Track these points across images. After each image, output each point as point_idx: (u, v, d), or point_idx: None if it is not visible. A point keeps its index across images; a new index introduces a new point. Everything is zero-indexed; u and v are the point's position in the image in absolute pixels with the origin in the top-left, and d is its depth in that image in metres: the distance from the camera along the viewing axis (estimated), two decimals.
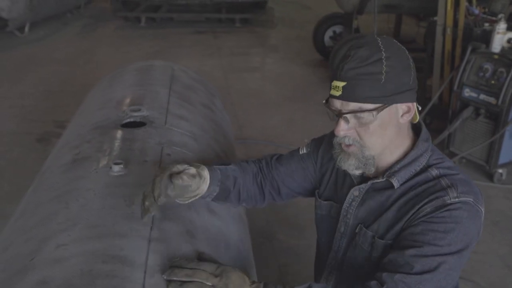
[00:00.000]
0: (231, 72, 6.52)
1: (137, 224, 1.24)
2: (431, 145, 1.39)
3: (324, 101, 1.34)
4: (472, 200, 1.25)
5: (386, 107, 1.25)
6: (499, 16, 3.79)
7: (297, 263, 2.95)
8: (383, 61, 1.22)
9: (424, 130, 1.40)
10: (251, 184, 1.54)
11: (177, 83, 2.43)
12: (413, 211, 1.27)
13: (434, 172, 1.32)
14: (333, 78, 1.28)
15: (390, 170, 1.35)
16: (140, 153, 1.64)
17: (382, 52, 1.23)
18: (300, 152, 1.60)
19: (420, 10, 6.54)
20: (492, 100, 3.57)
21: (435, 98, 4.29)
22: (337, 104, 1.28)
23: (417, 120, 1.37)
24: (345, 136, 1.31)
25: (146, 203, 1.22)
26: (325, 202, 1.55)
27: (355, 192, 1.42)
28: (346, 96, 1.25)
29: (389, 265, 1.24)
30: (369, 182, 1.39)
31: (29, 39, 7.84)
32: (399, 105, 1.28)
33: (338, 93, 1.26)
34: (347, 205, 1.44)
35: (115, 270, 1.07)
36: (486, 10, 4.31)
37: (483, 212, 1.27)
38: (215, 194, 1.41)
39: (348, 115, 1.26)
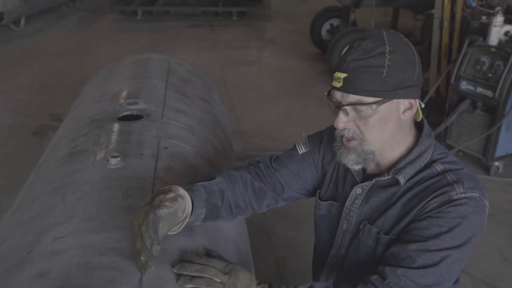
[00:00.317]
0: (228, 65, 6.50)
1: (134, 217, 1.23)
2: (434, 141, 1.38)
3: (326, 93, 1.33)
4: (478, 195, 1.25)
5: (386, 101, 1.24)
6: (496, 9, 3.79)
7: (295, 257, 2.96)
8: (386, 54, 1.21)
9: (427, 125, 1.39)
10: (243, 193, 1.45)
11: (174, 76, 2.42)
12: (419, 206, 1.27)
13: (439, 167, 1.32)
14: (335, 69, 1.27)
15: (395, 167, 1.34)
16: (137, 146, 1.63)
17: (386, 46, 1.22)
18: (300, 152, 1.56)
19: (417, 3, 6.53)
20: (489, 93, 3.57)
21: (432, 91, 4.29)
22: (338, 95, 1.27)
23: (420, 118, 1.36)
24: (345, 129, 1.30)
25: (142, 258, 1.06)
26: (325, 202, 1.54)
27: (358, 190, 1.41)
28: (346, 88, 1.24)
29: (391, 258, 1.24)
30: (374, 180, 1.38)
31: (25, 33, 7.79)
32: (400, 100, 1.26)
33: (339, 85, 1.25)
34: (350, 203, 1.43)
35: (113, 263, 1.06)
36: (483, 3, 4.30)
37: (487, 206, 1.27)
38: (202, 216, 1.29)
39: (347, 107, 1.25)
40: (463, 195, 1.23)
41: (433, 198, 1.26)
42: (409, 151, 1.34)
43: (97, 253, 1.09)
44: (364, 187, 1.40)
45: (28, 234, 1.21)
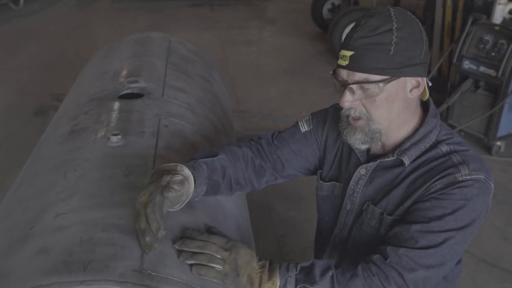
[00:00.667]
0: (229, 45, 6.46)
1: (136, 194, 1.24)
2: (440, 121, 1.37)
3: (331, 72, 1.31)
4: (483, 177, 1.24)
5: (394, 79, 1.22)
6: None
7: (295, 234, 2.98)
8: (394, 32, 1.19)
9: (432, 105, 1.37)
10: (244, 170, 1.46)
11: (174, 55, 2.41)
12: (423, 187, 1.27)
13: (444, 148, 1.30)
14: (341, 47, 1.25)
15: (400, 148, 1.33)
16: (138, 124, 1.63)
17: (394, 23, 1.20)
18: (302, 130, 1.55)
19: None
20: (491, 72, 3.54)
21: (434, 71, 4.26)
22: (344, 74, 1.25)
23: (427, 97, 1.34)
24: (351, 108, 1.28)
25: (147, 239, 1.05)
26: (327, 183, 1.53)
27: (362, 170, 1.41)
28: (353, 66, 1.22)
29: (394, 239, 1.24)
30: (378, 161, 1.37)
31: (24, 12, 7.73)
32: (408, 79, 1.25)
33: (345, 63, 1.23)
34: (354, 183, 1.43)
35: (114, 239, 1.07)
36: None
37: (492, 188, 1.26)
38: (203, 193, 1.30)
39: (353, 86, 1.24)
40: (468, 177, 1.22)
41: (437, 180, 1.25)
42: (415, 132, 1.33)
43: (99, 229, 1.10)
44: (368, 168, 1.39)
45: (30, 211, 1.22)
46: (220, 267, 1.11)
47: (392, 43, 1.19)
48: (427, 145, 1.32)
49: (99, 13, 8.03)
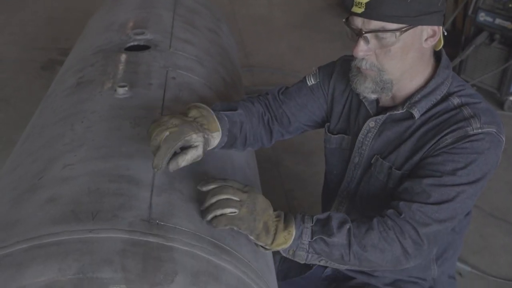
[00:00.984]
0: None
1: (143, 145, 1.23)
2: (452, 72, 1.34)
3: (344, 20, 1.26)
4: (495, 130, 1.22)
5: (411, 28, 1.18)
6: None
7: (303, 189, 2.99)
8: None
9: (445, 56, 1.34)
10: (257, 126, 1.47)
11: (181, 7, 2.35)
12: (433, 141, 1.24)
13: (455, 100, 1.27)
14: None
15: (410, 100, 1.30)
16: (144, 76, 1.61)
17: None
18: (308, 84, 1.53)
19: None
20: (508, 24, 3.45)
21: (448, 24, 4.15)
22: (358, 22, 1.20)
23: (440, 47, 1.30)
24: (362, 59, 1.25)
25: (155, 161, 1.08)
26: (335, 136, 1.51)
27: (371, 123, 1.39)
28: (369, 13, 1.17)
29: (405, 193, 1.23)
30: (387, 113, 1.35)
31: None
32: (424, 27, 1.21)
33: (360, 10, 1.18)
34: (363, 136, 1.41)
35: (122, 189, 1.07)
36: None
37: (504, 141, 1.24)
38: (222, 145, 1.32)
39: (368, 35, 1.19)
40: (480, 130, 1.20)
41: (448, 133, 1.23)
42: (426, 83, 1.30)
43: (106, 179, 1.10)
44: (378, 121, 1.37)
45: (38, 162, 1.22)
46: (236, 210, 1.09)
47: None
48: (438, 97, 1.29)
49: None
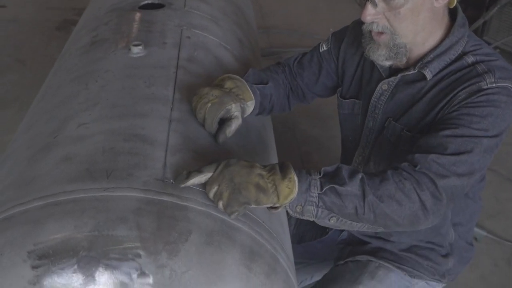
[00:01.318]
0: None
1: (157, 104, 1.23)
2: (468, 31, 1.28)
3: None
4: (510, 85, 1.17)
5: None
6: None
7: (319, 152, 2.98)
8: None
9: (461, 14, 1.28)
10: (282, 97, 1.53)
11: None
12: (446, 99, 1.21)
13: (470, 59, 1.23)
14: None
15: (422, 61, 1.26)
16: (159, 35, 1.58)
17: None
18: (321, 50, 1.54)
19: None
20: None
21: None
22: None
23: (454, 4, 1.25)
24: (373, 22, 1.21)
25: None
26: (347, 100, 1.50)
27: (383, 86, 1.36)
28: None
29: (421, 147, 1.17)
30: (399, 75, 1.32)
31: None
32: None
33: None
34: (375, 99, 1.38)
35: (137, 148, 1.07)
36: None
37: None
38: (252, 115, 1.38)
39: None
40: (494, 84, 1.16)
41: (461, 90, 1.19)
42: (440, 43, 1.26)
43: (121, 138, 1.09)
44: (391, 83, 1.34)
45: (53, 121, 1.21)
46: (219, 203, 0.98)
47: None
48: (452, 57, 1.25)
49: None
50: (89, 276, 0.89)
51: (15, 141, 1.27)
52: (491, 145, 1.16)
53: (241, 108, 1.27)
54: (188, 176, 1.00)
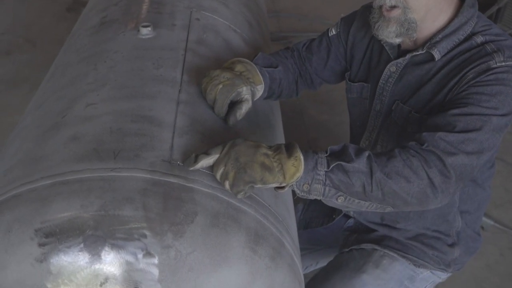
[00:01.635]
0: None
1: (165, 86, 1.22)
2: (477, 12, 1.27)
3: None
4: None
5: None
6: None
7: (327, 138, 2.97)
8: None
9: None
10: (291, 82, 1.52)
11: None
12: (455, 80, 1.20)
13: (479, 39, 1.22)
14: None
15: (431, 41, 1.25)
16: (168, 16, 1.57)
17: None
18: (330, 34, 1.53)
19: None
20: None
21: None
22: None
23: None
24: None
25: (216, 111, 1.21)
26: (356, 84, 1.50)
27: (392, 67, 1.35)
28: None
29: (429, 127, 1.15)
30: (408, 56, 1.31)
31: None
32: None
33: None
34: (383, 81, 1.37)
35: (144, 129, 1.07)
36: None
37: None
38: (261, 98, 1.37)
39: None
40: (503, 63, 1.15)
41: (470, 70, 1.17)
42: (449, 23, 1.25)
43: (128, 119, 1.09)
44: (399, 65, 1.34)
45: (62, 100, 1.22)
46: (226, 183, 0.99)
47: None
48: (461, 38, 1.24)
49: None
50: (95, 255, 0.90)
51: (24, 120, 1.28)
52: (500, 124, 1.14)
53: (251, 91, 1.26)
54: (196, 159, 1.00)
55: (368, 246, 1.51)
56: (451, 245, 1.48)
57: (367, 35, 1.45)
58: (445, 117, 1.14)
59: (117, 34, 1.47)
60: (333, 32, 1.53)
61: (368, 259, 1.48)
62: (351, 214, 1.60)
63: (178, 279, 0.93)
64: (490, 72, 1.14)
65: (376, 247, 1.50)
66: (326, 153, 1.08)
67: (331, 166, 1.04)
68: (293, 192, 1.11)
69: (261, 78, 1.31)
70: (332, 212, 1.68)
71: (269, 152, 1.02)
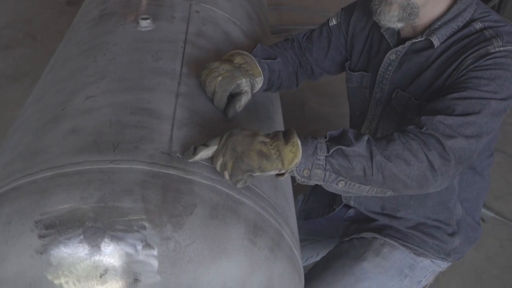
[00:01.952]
0: None
1: (165, 78, 1.22)
2: None
3: None
4: None
5: None
6: None
7: (328, 130, 2.95)
8: None
9: None
10: (291, 73, 1.52)
11: None
12: (454, 66, 1.20)
13: (478, 25, 1.22)
14: None
15: (430, 28, 1.26)
16: (168, 9, 1.57)
17: None
18: (330, 24, 1.53)
19: None
20: None
21: None
22: None
23: None
24: None
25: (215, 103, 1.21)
26: (356, 73, 1.50)
27: (391, 56, 1.35)
28: None
29: (428, 111, 1.15)
30: (407, 43, 1.31)
31: None
32: None
33: None
34: (383, 70, 1.38)
35: (143, 121, 1.07)
36: None
37: None
38: (260, 90, 1.37)
39: None
40: (502, 48, 1.15)
41: (468, 55, 1.18)
42: (448, 10, 1.26)
43: (128, 112, 1.10)
44: (398, 53, 1.34)
45: (62, 93, 1.22)
46: (225, 173, 1.00)
47: None
48: (460, 24, 1.24)
49: None
50: (95, 246, 0.90)
51: (24, 113, 1.28)
52: (499, 108, 1.14)
53: (251, 83, 1.27)
54: (195, 151, 1.00)
55: (368, 235, 1.52)
56: (451, 234, 1.49)
57: (368, 25, 1.46)
58: (444, 101, 1.14)
59: (117, 26, 1.47)
60: (333, 22, 1.53)
61: (368, 248, 1.48)
62: (352, 204, 1.60)
63: (178, 271, 0.93)
64: (489, 57, 1.15)
65: (377, 235, 1.50)
66: (326, 138, 1.08)
67: (331, 151, 1.04)
68: (293, 179, 1.11)
69: (260, 70, 1.32)
70: (333, 202, 1.69)
71: (266, 140, 1.02)
